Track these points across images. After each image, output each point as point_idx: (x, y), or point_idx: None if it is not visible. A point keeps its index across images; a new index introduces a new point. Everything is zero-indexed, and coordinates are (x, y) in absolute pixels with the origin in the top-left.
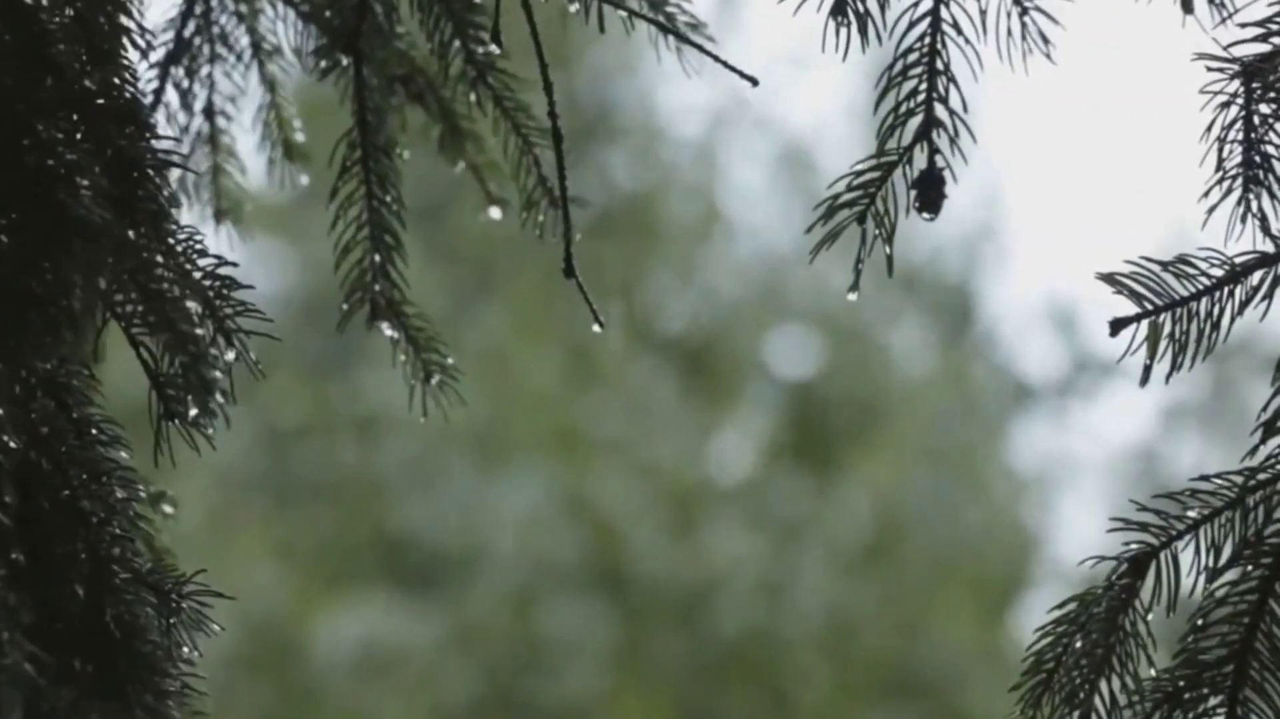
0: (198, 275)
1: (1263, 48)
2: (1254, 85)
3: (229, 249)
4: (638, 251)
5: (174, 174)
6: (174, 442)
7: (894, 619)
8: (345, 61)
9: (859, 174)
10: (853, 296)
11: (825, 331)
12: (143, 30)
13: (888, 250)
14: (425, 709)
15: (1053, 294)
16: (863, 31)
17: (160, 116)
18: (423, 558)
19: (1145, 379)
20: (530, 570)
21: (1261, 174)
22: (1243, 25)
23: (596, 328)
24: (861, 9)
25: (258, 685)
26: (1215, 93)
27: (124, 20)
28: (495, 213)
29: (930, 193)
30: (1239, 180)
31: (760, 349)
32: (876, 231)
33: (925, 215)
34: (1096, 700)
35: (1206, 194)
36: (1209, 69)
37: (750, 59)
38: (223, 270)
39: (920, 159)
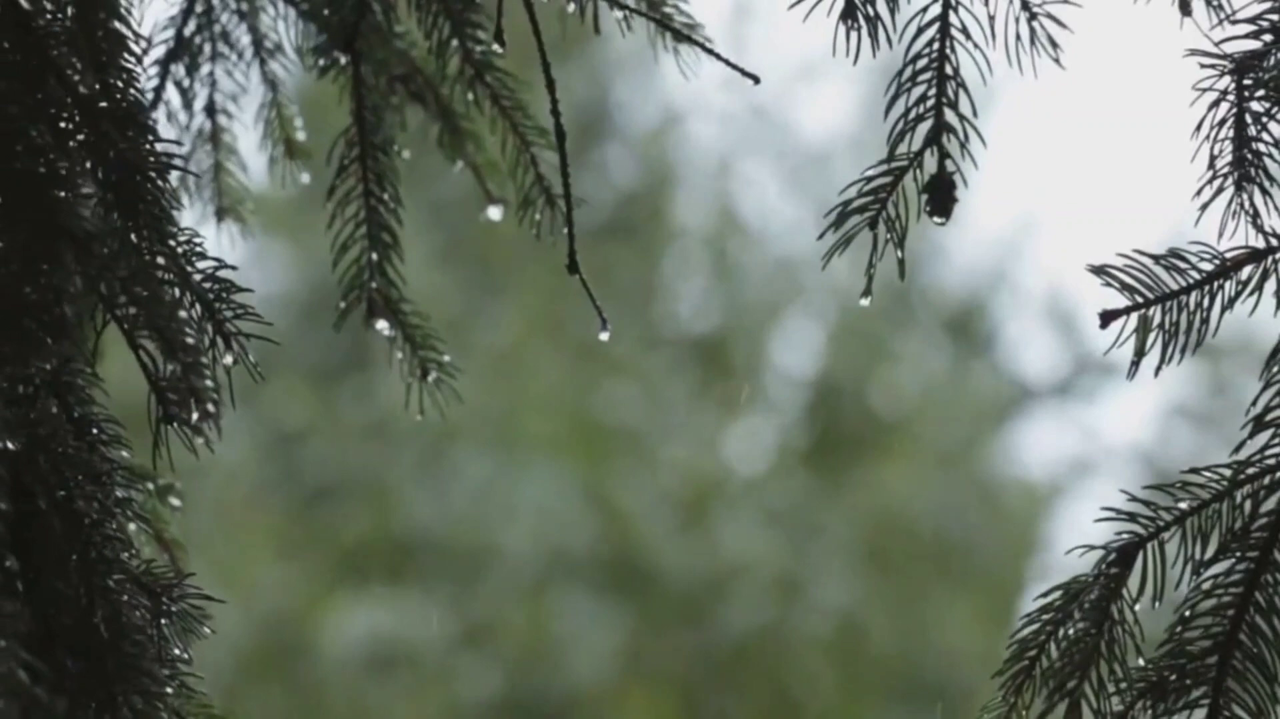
0: (197, 278)
1: (1254, 44)
2: (1245, 81)
3: (231, 247)
4: (651, 250)
5: (175, 174)
6: (178, 443)
7: (902, 622)
8: (344, 60)
9: (870, 179)
10: (865, 302)
11: (839, 332)
12: (138, 36)
13: (899, 254)
14: (435, 707)
15: (1054, 295)
16: (873, 35)
17: (161, 115)
18: (433, 555)
19: (1134, 371)
20: (542, 568)
21: (1253, 171)
22: (1234, 21)
23: (604, 335)
24: (871, 13)
25: (267, 684)
26: (1206, 89)
27: (119, 27)
28: (494, 212)
29: (941, 197)
30: (1230, 179)
31: (774, 348)
32: (888, 236)
33: (937, 220)
34: (1086, 687)
35: (1199, 192)
36: (1201, 65)
37: (765, 61)
38: (222, 273)
39: (931, 163)
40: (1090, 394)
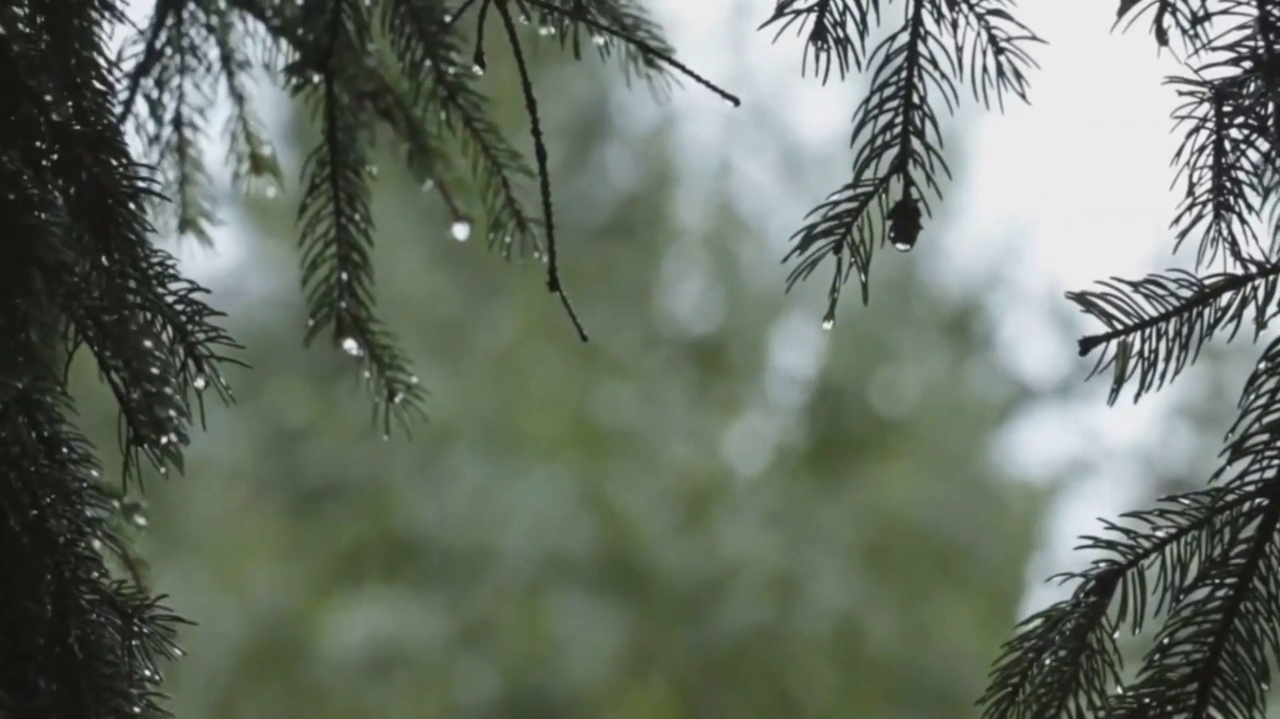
0: (170, 300)
1: (1233, 71)
2: (1225, 109)
3: (230, 248)
4: (651, 250)
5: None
6: (148, 462)
7: (901, 622)
8: (317, 79)
9: (835, 204)
10: (828, 325)
11: (838, 332)
12: (113, 64)
13: (863, 279)
14: (434, 707)
15: (1054, 295)
16: (842, 57)
17: (129, 126)
18: (432, 556)
19: (1114, 398)
20: (540, 568)
21: (1232, 200)
22: (1213, 48)
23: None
24: (841, 35)
25: (266, 684)
26: (1185, 117)
27: (93, 55)
28: (460, 231)
29: (905, 224)
30: (1209, 206)
31: (773, 348)
32: (852, 260)
33: (900, 246)
34: (1064, 717)
35: (1178, 219)
36: (1180, 93)
37: (764, 61)
38: (195, 295)
39: (897, 190)
40: (1090, 394)
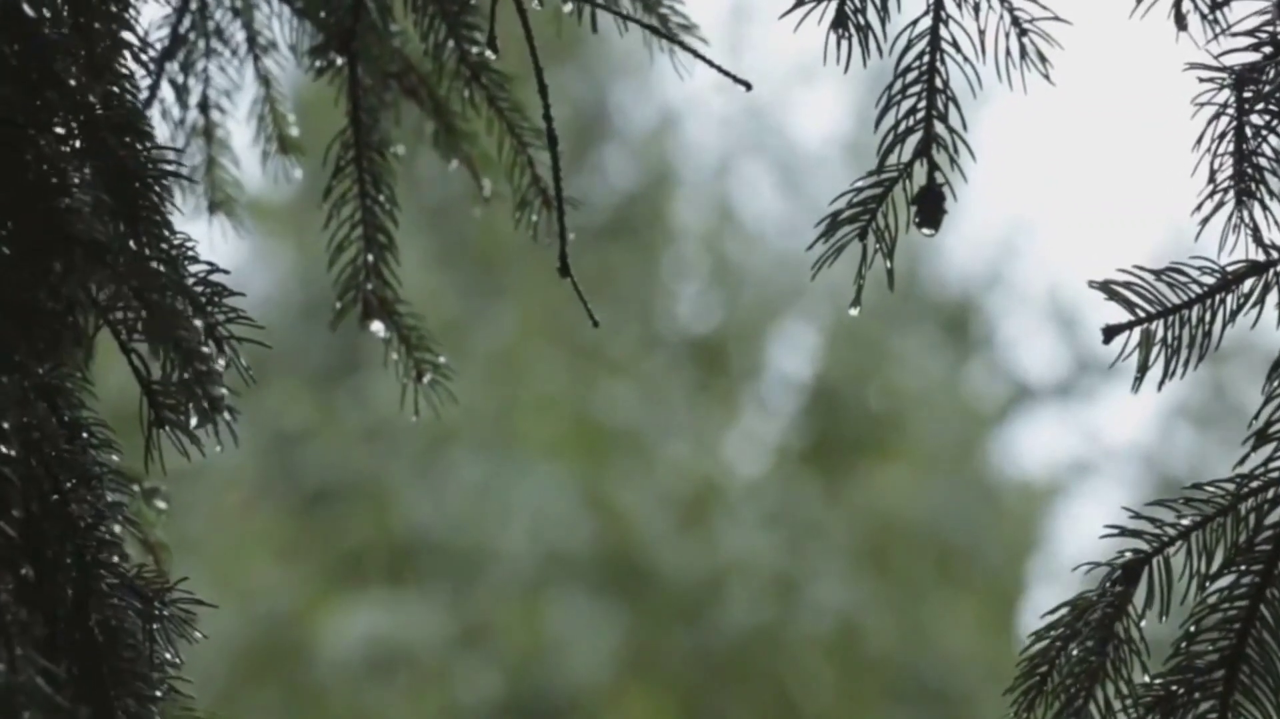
0: (190, 282)
1: (1253, 57)
2: (1245, 95)
3: (229, 248)
4: (650, 251)
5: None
6: (169, 446)
7: (900, 623)
8: (340, 61)
9: (859, 190)
10: (854, 311)
11: (837, 332)
12: (144, 45)
13: (888, 265)
14: (434, 708)
15: (1054, 295)
16: (864, 44)
17: (155, 111)
18: (432, 556)
19: (1138, 385)
20: (540, 568)
21: (1254, 186)
22: (1234, 34)
23: (602, 328)
24: (862, 22)
25: (266, 685)
26: (1205, 103)
27: (125, 34)
28: (481, 206)
29: (930, 208)
30: (1230, 193)
31: (773, 349)
32: (877, 246)
33: (926, 231)
34: (1091, 707)
35: (1199, 206)
36: (1200, 79)
37: (763, 62)
38: (215, 277)
39: (921, 175)
40: (1091, 394)
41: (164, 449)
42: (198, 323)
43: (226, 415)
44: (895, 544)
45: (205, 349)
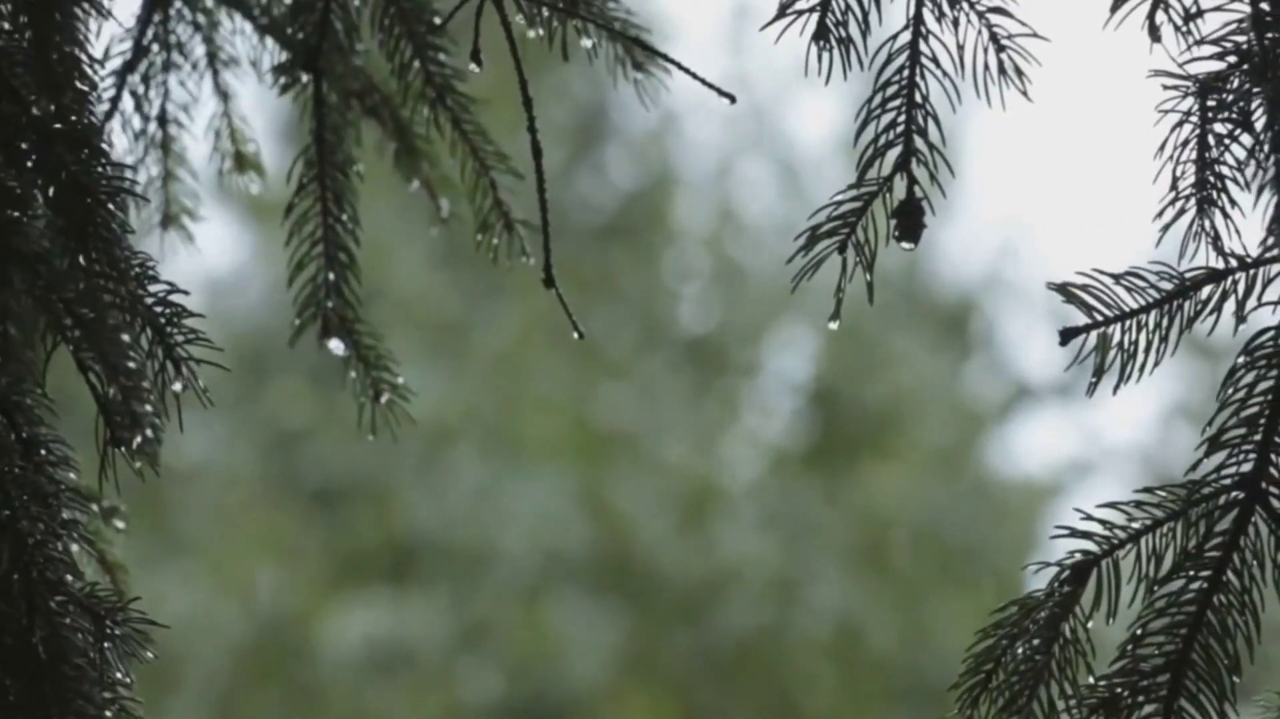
0: (149, 301)
1: (1218, 65)
2: (1209, 103)
3: (228, 248)
4: (651, 251)
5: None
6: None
7: (900, 623)
8: (305, 79)
9: (839, 204)
10: (834, 326)
11: (837, 333)
12: (104, 59)
13: (868, 278)
14: (435, 708)
15: (1053, 294)
16: (845, 57)
17: (115, 123)
18: (433, 557)
19: (1093, 389)
20: (540, 569)
21: (1215, 194)
22: (1199, 43)
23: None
24: (844, 35)
25: (267, 685)
26: (1169, 111)
27: (75, 52)
28: (439, 227)
29: (909, 222)
30: (1192, 200)
31: (772, 349)
32: (857, 260)
33: (905, 245)
34: (1035, 706)
35: (1160, 213)
36: (1164, 87)
37: (764, 63)
38: (174, 297)
39: (900, 189)
40: (1090, 394)
41: (128, 470)
42: (127, 338)
43: (149, 433)
44: (895, 544)
45: (132, 365)
